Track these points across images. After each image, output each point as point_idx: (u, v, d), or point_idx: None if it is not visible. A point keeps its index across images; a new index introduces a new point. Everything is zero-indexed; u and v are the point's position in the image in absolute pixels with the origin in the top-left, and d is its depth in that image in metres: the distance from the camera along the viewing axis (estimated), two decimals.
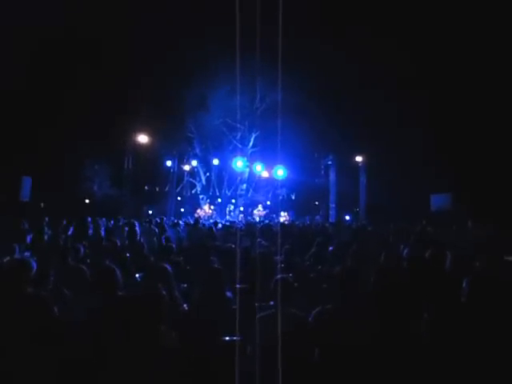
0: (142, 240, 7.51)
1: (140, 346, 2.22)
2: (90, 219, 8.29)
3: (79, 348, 2.33)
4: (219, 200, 21.80)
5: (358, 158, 21.54)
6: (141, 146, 19.34)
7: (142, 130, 19.14)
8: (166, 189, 21.64)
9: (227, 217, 19.60)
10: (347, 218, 19.93)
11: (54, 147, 17.08)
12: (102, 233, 8.39)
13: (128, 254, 5.68)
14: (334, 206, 21.50)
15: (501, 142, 16.13)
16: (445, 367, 2.42)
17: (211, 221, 12.39)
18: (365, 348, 2.48)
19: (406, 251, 5.64)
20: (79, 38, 17.02)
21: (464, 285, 2.63)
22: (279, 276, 2.81)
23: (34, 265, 2.91)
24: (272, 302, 2.80)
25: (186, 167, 21.73)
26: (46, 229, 7.80)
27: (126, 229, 8.24)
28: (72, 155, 17.95)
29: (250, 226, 10.39)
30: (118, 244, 5.88)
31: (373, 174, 21.25)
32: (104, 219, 9.62)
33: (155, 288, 2.40)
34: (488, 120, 16.30)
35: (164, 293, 2.35)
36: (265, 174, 21.80)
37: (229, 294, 3.31)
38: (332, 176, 21.83)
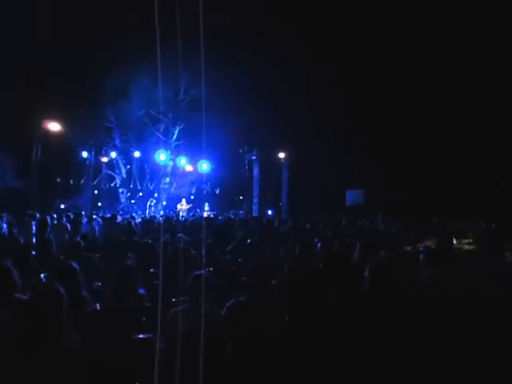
0: (51, 236, 6.94)
1: (38, 349, 2.06)
2: None
3: None
4: (140, 194, 20.96)
5: (281, 155, 22.24)
6: (52, 134, 17.71)
7: (53, 117, 17.55)
8: (82, 181, 20.18)
9: (147, 211, 18.94)
10: (270, 212, 20.49)
11: None
12: (4, 229, 7.59)
13: (34, 252, 5.23)
14: (257, 200, 21.94)
15: (409, 145, 17.83)
16: (351, 353, 2.62)
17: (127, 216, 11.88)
18: (276, 338, 2.59)
19: (319, 243, 6.01)
20: None
21: (365, 273, 2.87)
22: (195, 273, 2.79)
23: None
24: (188, 298, 2.78)
25: (104, 159, 20.47)
26: None
27: (34, 224, 7.56)
28: None
29: (170, 220, 10.17)
30: (22, 241, 5.37)
31: (294, 170, 22.13)
32: (5, 214, 8.69)
33: (54, 288, 2.23)
34: (399, 124, 17.87)
35: (63, 292, 2.19)
36: (189, 168, 21.45)
37: (141, 290, 3.21)
38: (256, 171, 22.24)
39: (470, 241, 9.50)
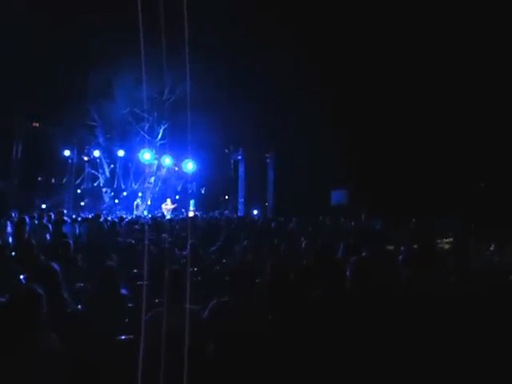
0: (30, 237, 6.79)
1: (16, 351, 2.02)
2: None
3: None
4: (124, 193, 20.71)
5: (267, 155, 22.30)
6: (33, 132, 17.36)
7: (35, 115, 17.20)
8: (64, 180, 19.84)
9: (135, 211, 18.74)
10: (255, 212, 20.51)
11: None
12: None
13: (13, 253, 5.13)
14: (242, 200, 21.94)
15: (393, 145, 18.09)
16: (335, 352, 2.64)
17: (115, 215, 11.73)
18: (259, 338, 2.60)
19: (304, 243, 6.05)
20: None
21: (348, 272, 2.91)
22: (170, 269, 2.77)
23: None
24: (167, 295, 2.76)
25: (87, 158, 20.16)
26: None
27: (9, 224, 7.39)
28: None
29: (154, 220, 10.08)
30: (0, 242, 5.26)
31: (280, 171, 22.20)
32: None
33: (32, 289, 2.19)
34: (383, 126, 18.11)
35: (41, 293, 2.16)
36: (174, 168, 21.32)
37: (124, 291, 3.18)
38: (241, 171, 22.24)
39: (451, 240, 9.69)
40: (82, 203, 19.84)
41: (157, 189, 20.83)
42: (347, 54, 18.09)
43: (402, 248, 4.43)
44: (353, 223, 13.09)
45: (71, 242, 6.28)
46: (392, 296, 2.80)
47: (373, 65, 17.73)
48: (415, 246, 4.96)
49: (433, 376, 2.45)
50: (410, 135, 17.47)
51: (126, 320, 3.09)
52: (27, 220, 7.27)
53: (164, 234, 6.63)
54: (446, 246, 7.87)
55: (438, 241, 8.98)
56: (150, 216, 14.91)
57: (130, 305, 3.17)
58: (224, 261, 5.70)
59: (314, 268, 3.85)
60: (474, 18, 15.14)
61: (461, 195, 16.05)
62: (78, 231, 8.60)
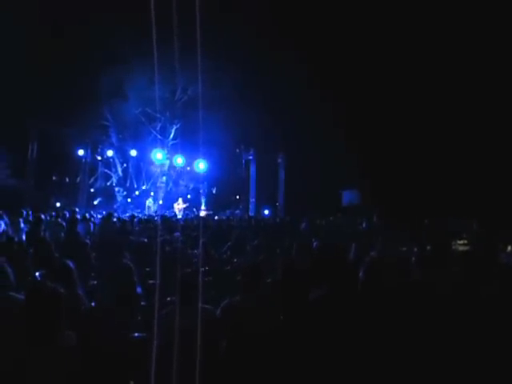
0: (46, 235, 6.91)
1: (36, 349, 2.06)
2: None
3: None
4: (137, 193, 20.93)
5: (278, 155, 22.29)
6: (48, 131, 17.66)
7: (49, 115, 17.48)
8: (78, 180, 20.14)
9: (146, 210, 18.92)
10: (266, 212, 20.52)
11: None
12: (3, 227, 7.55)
13: (29, 251, 5.22)
14: (253, 200, 21.97)
15: (405, 144, 17.90)
16: (346, 352, 2.63)
17: (127, 214, 11.87)
18: (268, 336, 2.60)
19: (316, 243, 6.01)
20: None
21: (360, 274, 2.88)
22: (185, 270, 2.80)
23: None
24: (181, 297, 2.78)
25: (100, 157, 20.47)
26: None
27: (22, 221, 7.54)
28: None
29: (167, 220, 10.17)
30: (16, 239, 5.36)
31: (291, 171, 22.17)
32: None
33: (51, 287, 2.22)
34: (395, 126, 17.93)
35: (62, 292, 2.19)
36: (186, 167, 21.45)
37: (139, 289, 3.22)
38: (252, 171, 22.26)
39: (466, 242, 9.53)
40: (95, 202, 20.11)
41: (168, 188, 20.99)
42: (359, 56, 17.97)
43: (415, 249, 4.37)
44: (364, 224, 12.99)
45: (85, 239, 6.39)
46: (404, 298, 2.78)
47: (385, 65, 17.57)
48: (428, 247, 4.89)
49: (448, 379, 2.43)
50: (423, 135, 17.26)
51: (139, 318, 3.13)
52: (43, 218, 7.40)
53: (176, 233, 6.68)
54: (461, 248, 7.75)
55: (453, 242, 8.84)
56: (160, 215, 15.02)
57: (142, 303, 3.21)
58: (235, 260, 5.72)
59: (325, 268, 3.83)
60: (480, 17, 14.89)
61: (476, 196, 15.78)
62: (92, 229, 8.71)
